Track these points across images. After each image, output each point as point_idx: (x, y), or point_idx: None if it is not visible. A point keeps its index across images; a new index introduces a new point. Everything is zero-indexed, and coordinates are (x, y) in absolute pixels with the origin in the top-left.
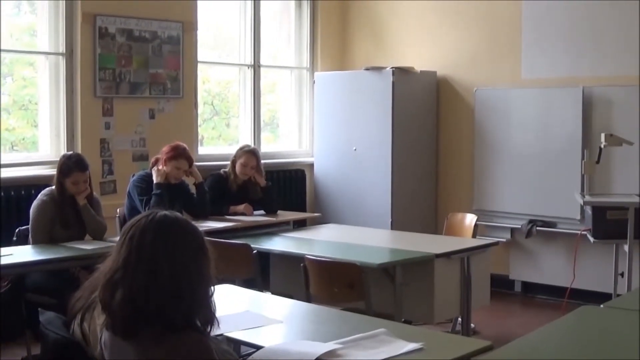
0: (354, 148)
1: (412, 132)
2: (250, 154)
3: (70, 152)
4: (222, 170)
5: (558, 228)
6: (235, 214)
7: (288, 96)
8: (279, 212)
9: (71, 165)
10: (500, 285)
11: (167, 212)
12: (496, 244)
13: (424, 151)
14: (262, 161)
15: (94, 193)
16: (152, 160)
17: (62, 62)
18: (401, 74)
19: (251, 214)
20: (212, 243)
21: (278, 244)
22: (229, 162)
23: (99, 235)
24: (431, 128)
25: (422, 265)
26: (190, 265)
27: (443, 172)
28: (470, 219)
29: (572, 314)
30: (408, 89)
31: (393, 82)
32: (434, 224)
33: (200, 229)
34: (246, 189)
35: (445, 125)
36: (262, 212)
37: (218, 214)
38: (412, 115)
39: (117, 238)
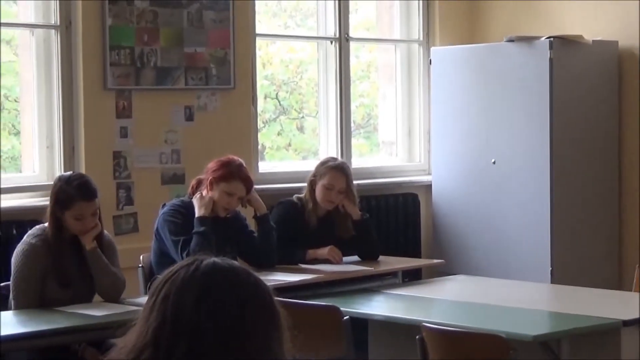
0: (493, 160)
1: (581, 135)
2: (337, 171)
3: (70, 173)
4: (295, 197)
5: None
6: (316, 261)
7: (391, 84)
8: (381, 258)
9: (72, 192)
10: None
11: (216, 259)
12: None
13: (601, 164)
14: (355, 182)
15: (106, 232)
16: (192, 182)
17: (55, 38)
18: (563, 46)
19: (340, 262)
20: (284, 305)
21: (380, 305)
22: (305, 185)
23: (114, 295)
24: (611, 128)
25: (602, 337)
26: (254, 340)
27: (631, 195)
28: None
29: None
30: (574, 69)
31: (551, 60)
32: (618, 275)
33: (266, 283)
34: (331, 224)
35: (634, 123)
36: (355, 258)
37: (290, 262)
38: (581, 108)
39: (143, 299)
